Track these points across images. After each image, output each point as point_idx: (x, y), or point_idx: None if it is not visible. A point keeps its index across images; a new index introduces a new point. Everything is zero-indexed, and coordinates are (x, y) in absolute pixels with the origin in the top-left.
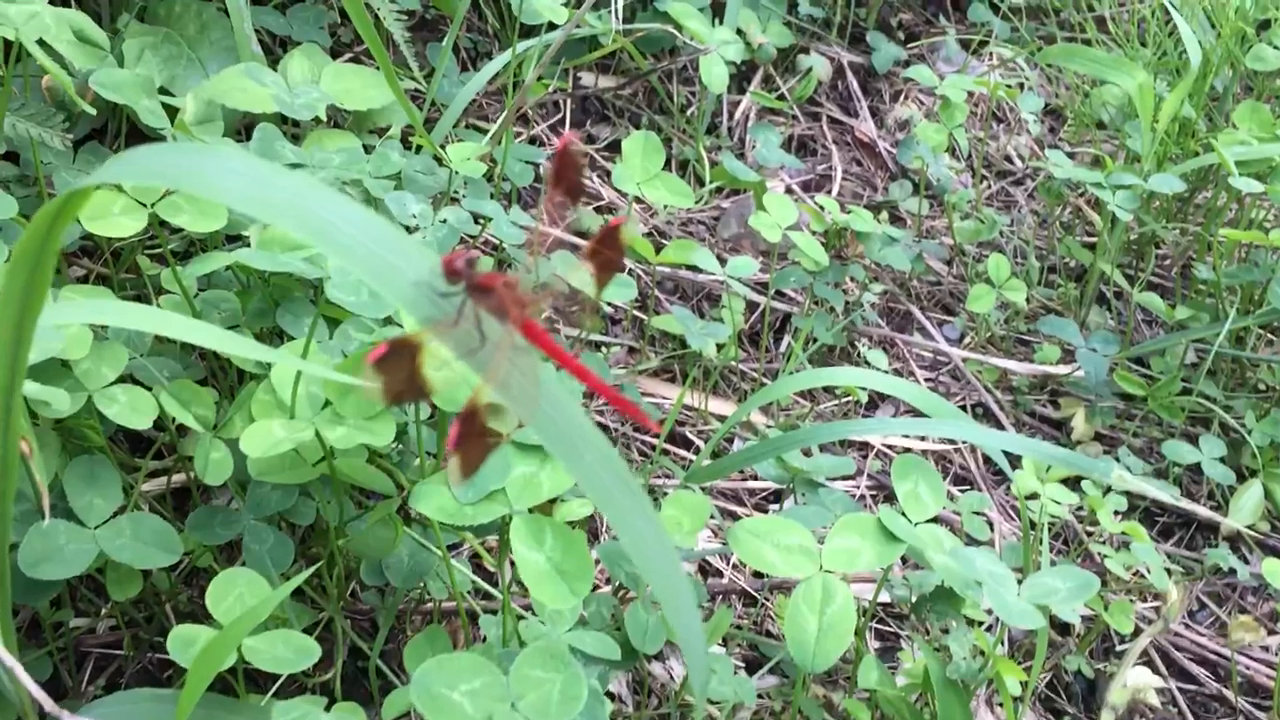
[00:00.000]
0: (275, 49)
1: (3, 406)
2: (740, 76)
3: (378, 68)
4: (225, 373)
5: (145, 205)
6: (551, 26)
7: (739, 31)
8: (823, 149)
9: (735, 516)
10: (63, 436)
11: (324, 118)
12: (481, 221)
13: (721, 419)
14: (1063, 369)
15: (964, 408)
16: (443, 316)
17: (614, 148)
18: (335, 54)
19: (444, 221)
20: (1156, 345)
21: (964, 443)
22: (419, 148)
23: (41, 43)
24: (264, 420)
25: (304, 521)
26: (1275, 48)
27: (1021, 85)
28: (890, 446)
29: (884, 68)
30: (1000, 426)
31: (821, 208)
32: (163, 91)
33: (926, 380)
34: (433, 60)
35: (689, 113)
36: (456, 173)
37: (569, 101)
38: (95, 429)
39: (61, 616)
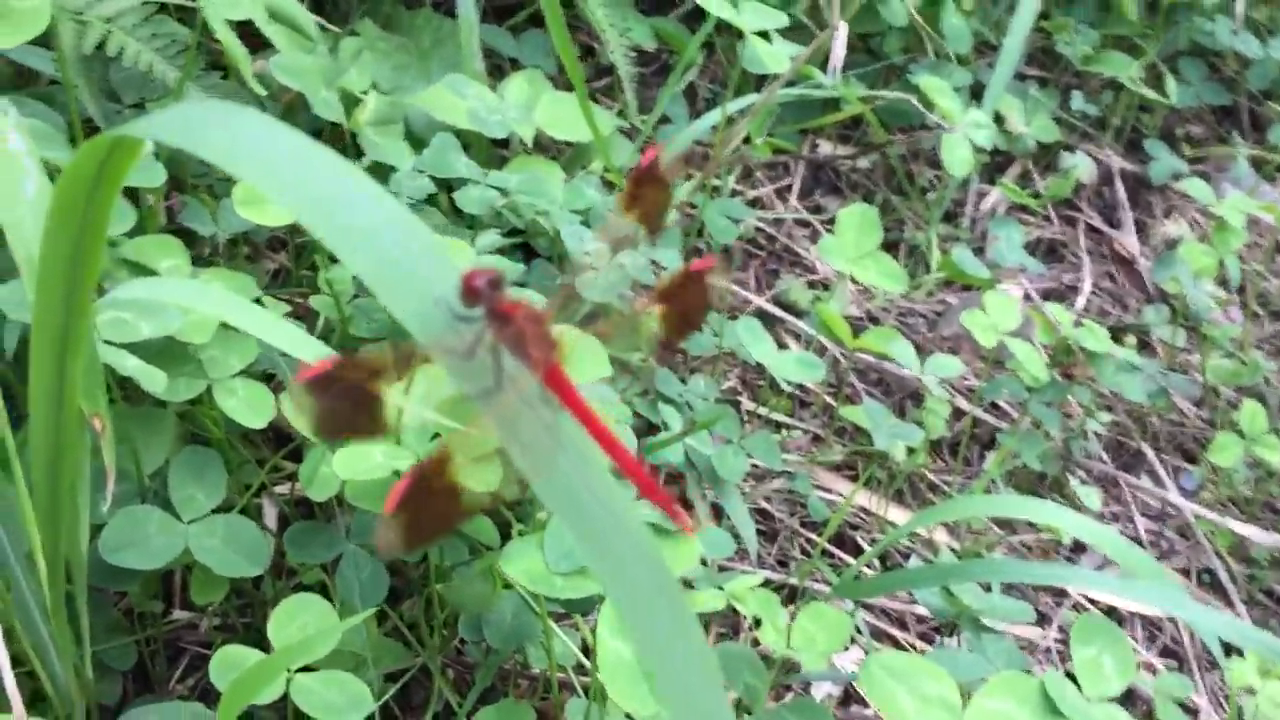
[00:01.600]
0: (507, 71)
1: (54, 377)
2: (993, 167)
3: (610, 105)
4: None
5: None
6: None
7: (997, 117)
8: (1073, 257)
9: (896, 643)
10: (185, 423)
11: (527, 141)
12: (658, 271)
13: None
14: None
15: (1186, 573)
16: (456, 343)
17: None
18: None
19: (621, 265)
20: None
21: None
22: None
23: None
24: (364, 446)
25: (410, 558)
26: None
27: None
28: (1093, 601)
29: (1160, 179)
30: (1228, 603)
31: (1053, 318)
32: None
33: (1148, 532)
34: (662, 102)
35: (928, 197)
36: None
37: (800, 166)
38: (216, 421)
39: (151, 607)
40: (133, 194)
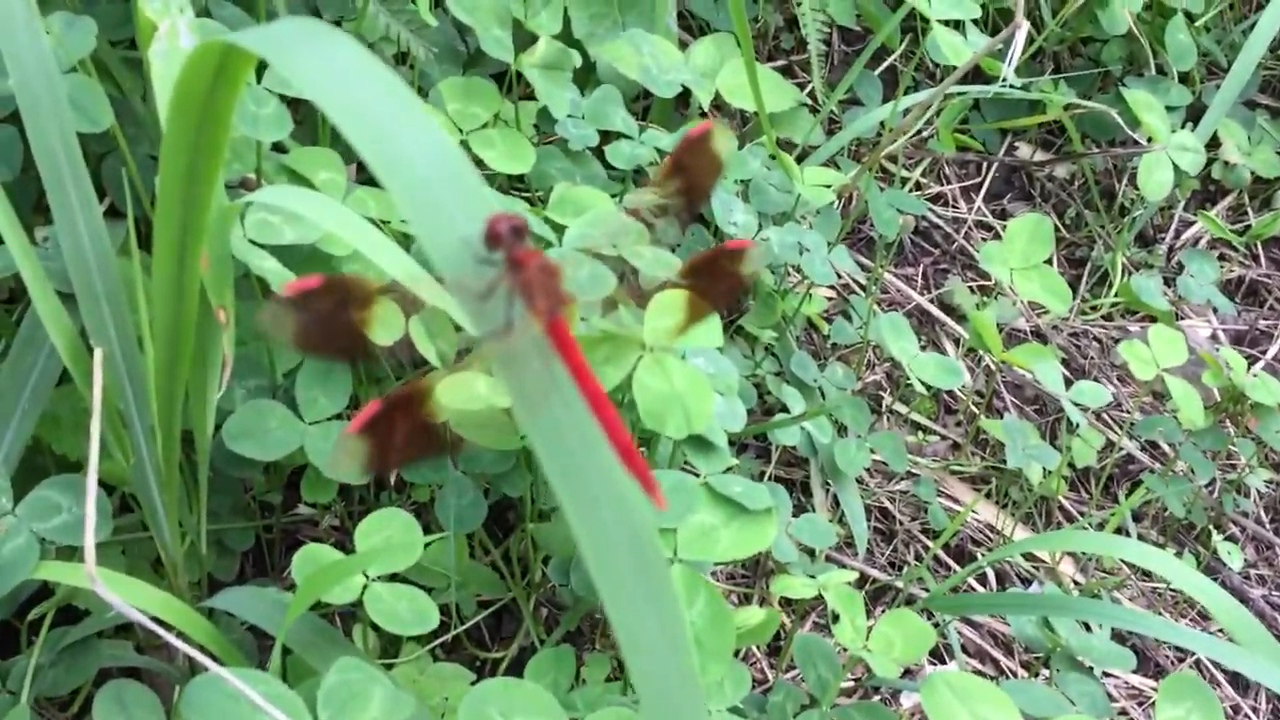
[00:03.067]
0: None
1: (174, 264)
2: (1204, 196)
3: (806, 80)
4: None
5: (460, 130)
6: (987, 80)
7: (1214, 143)
8: (1275, 303)
9: (997, 666)
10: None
11: (704, 105)
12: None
13: (1030, 556)
14: None
15: None
16: (475, 283)
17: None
18: (767, 57)
19: (765, 239)
20: None
21: None
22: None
23: None
24: (468, 374)
25: (513, 492)
26: None
27: None
28: (1217, 665)
29: None
30: None
31: (1224, 362)
32: (575, 45)
33: None
34: (853, 83)
35: (1126, 219)
36: (805, 199)
37: (992, 167)
38: None
39: (273, 498)
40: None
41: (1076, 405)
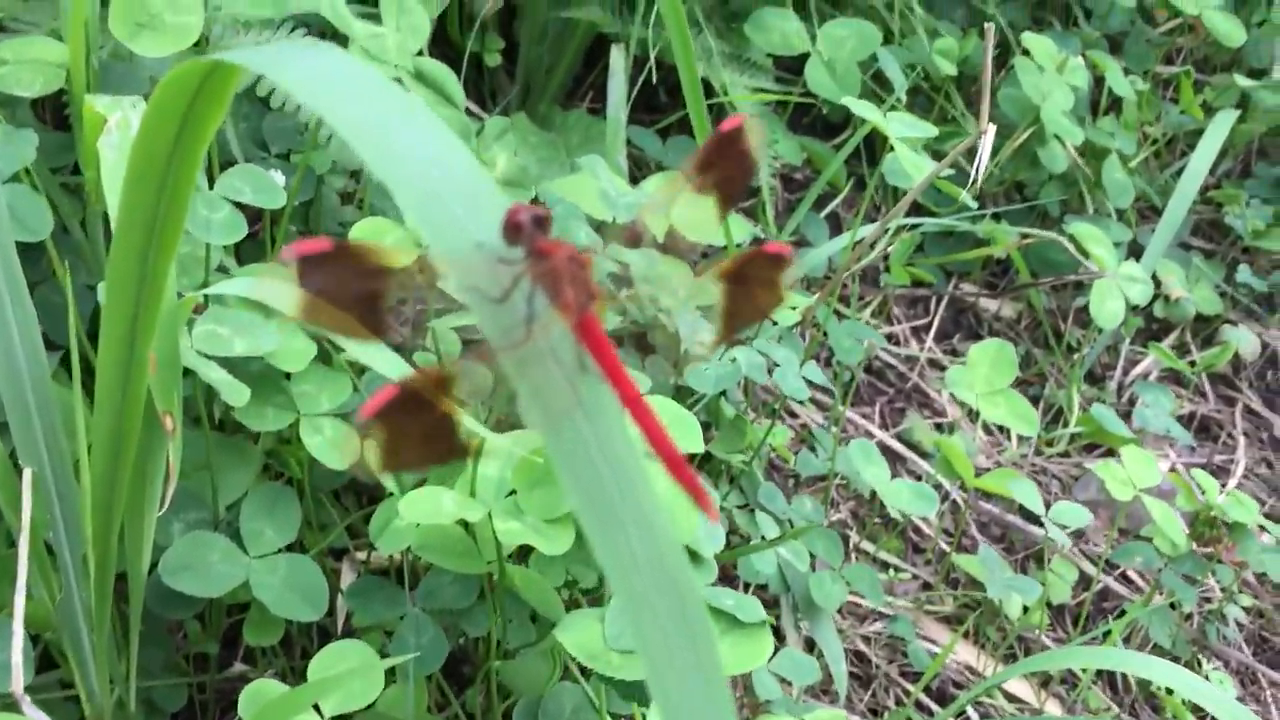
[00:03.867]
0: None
1: (125, 343)
2: (1147, 333)
3: (754, 223)
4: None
5: (420, 245)
6: (934, 214)
7: (1155, 282)
8: (1228, 438)
9: None
10: (271, 460)
11: (658, 237)
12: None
13: (1014, 698)
14: None
15: None
16: (491, 286)
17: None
18: None
19: (733, 360)
20: None
21: None
22: None
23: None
24: (437, 487)
25: (473, 631)
26: None
27: None
28: None
29: None
30: None
31: (1198, 485)
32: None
33: None
34: (800, 223)
35: (1075, 356)
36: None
37: (940, 307)
38: (300, 460)
39: (208, 647)
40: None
41: (1058, 525)
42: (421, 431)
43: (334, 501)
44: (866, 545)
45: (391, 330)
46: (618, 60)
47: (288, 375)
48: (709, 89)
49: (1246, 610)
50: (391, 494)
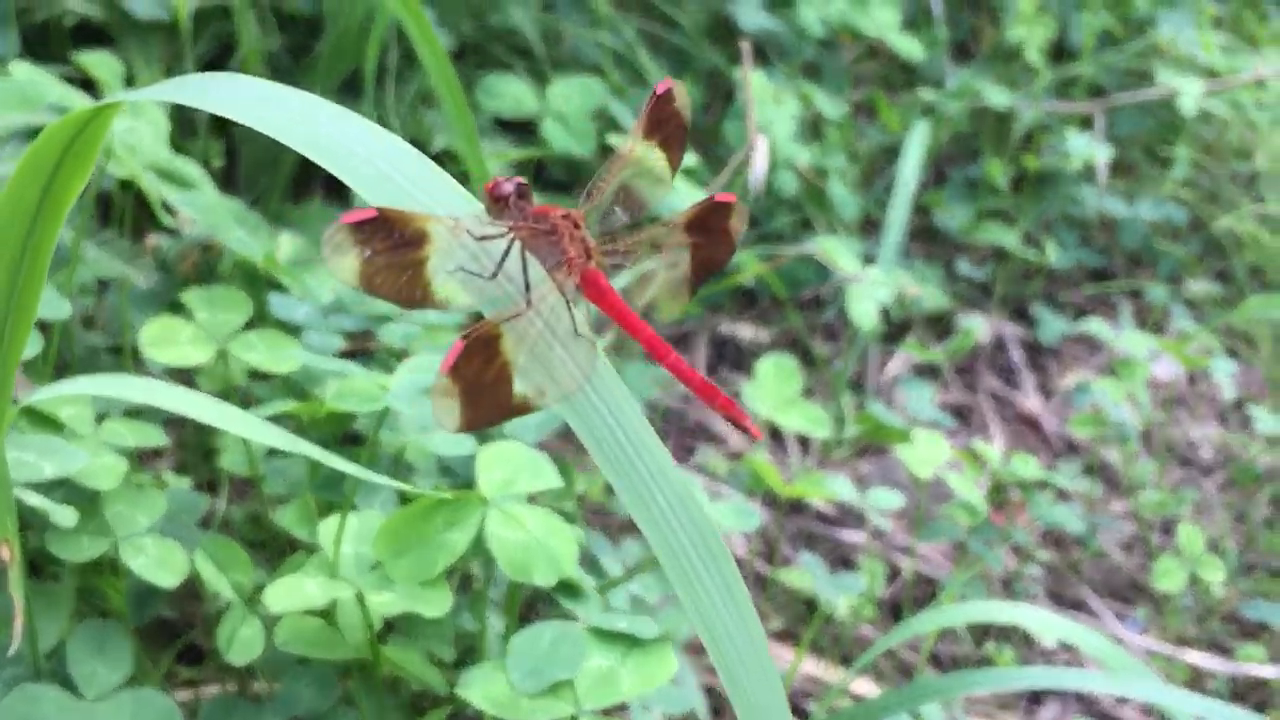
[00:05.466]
0: None
1: None
2: (890, 337)
3: None
4: (268, 546)
5: (216, 338)
6: None
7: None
8: (980, 421)
9: None
10: (80, 599)
11: None
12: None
13: (857, 698)
14: (1271, 670)
15: (1148, 712)
16: (482, 267)
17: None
18: None
19: (550, 412)
20: None
21: None
22: None
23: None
24: (297, 576)
25: None
26: None
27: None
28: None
29: (1051, 340)
30: None
31: (978, 456)
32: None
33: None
34: None
35: (834, 366)
36: None
37: (703, 343)
38: (116, 589)
39: None
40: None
41: (875, 509)
42: (489, 382)
43: (175, 606)
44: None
45: (437, 299)
46: None
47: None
48: (450, 158)
49: (1043, 566)
50: (230, 604)
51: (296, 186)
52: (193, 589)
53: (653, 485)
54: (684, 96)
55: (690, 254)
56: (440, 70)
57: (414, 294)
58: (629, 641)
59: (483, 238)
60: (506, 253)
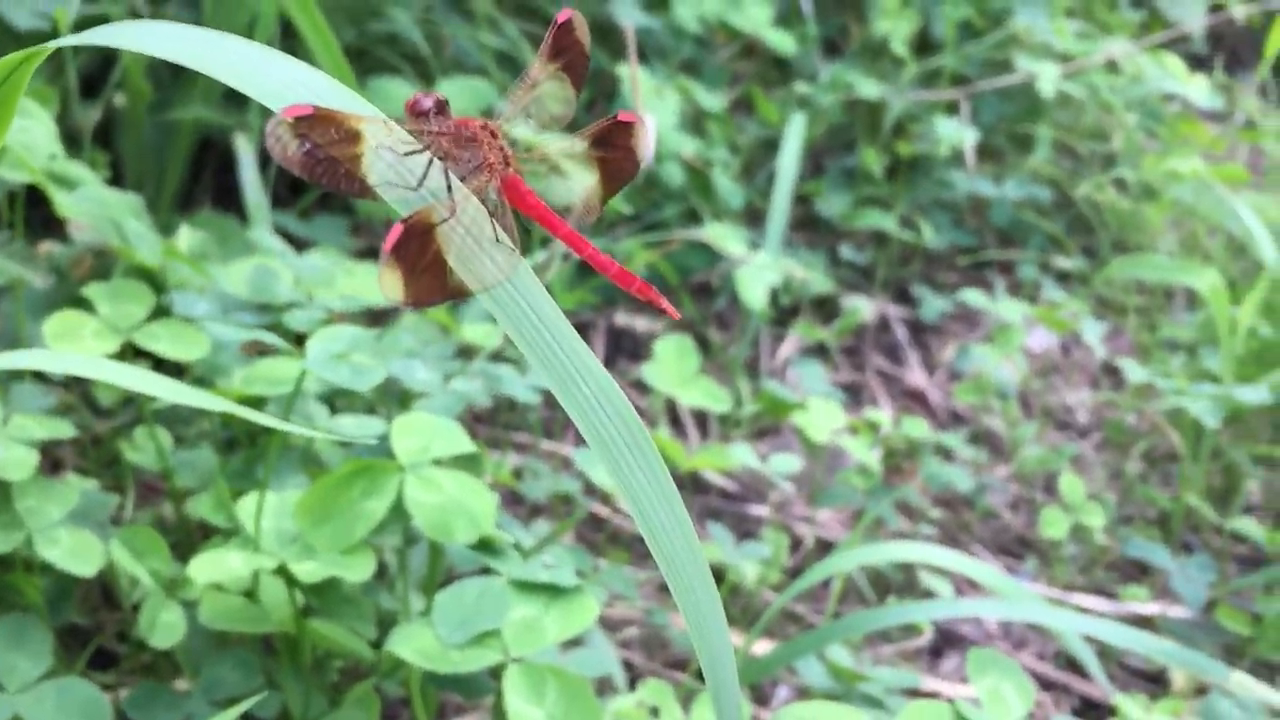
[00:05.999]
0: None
1: None
2: (779, 321)
3: None
4: (180, 544)
5: (119, 330)
6: None
7: None
8: (869, 397)
9: None
10: None
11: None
12: (497, 399)
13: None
14: (1154, 607)
15: (1041, 657)
16: (407, 177)
17: (642, 387)
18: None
19: (454, 390)
20: (1263, 578)
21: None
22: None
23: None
24: (220, 550)
25: (265, 715)
26: None
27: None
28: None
29: (932, 318)
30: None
31: (871, 423)
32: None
33: (999, 625)
34: None
35: (729, 351)
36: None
37: (602, 330)
38: (33, 584)
39: None
40: None
41: (778, 475)
42: (426, 265)
43: (85, 613)
44: (600, 563)
45: (370, 190)
46: (245, 148)
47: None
48: None
49: (935, 523)
50: (149, 591)
51: (184, 195)
52: (105, 594)
53: (577, 377)
54: (583, 26)
55: (599, 167)
56: (337, 67)
57: (353, 186)
58: (551, 591)
59: (408, 152)
60: (430, 164)
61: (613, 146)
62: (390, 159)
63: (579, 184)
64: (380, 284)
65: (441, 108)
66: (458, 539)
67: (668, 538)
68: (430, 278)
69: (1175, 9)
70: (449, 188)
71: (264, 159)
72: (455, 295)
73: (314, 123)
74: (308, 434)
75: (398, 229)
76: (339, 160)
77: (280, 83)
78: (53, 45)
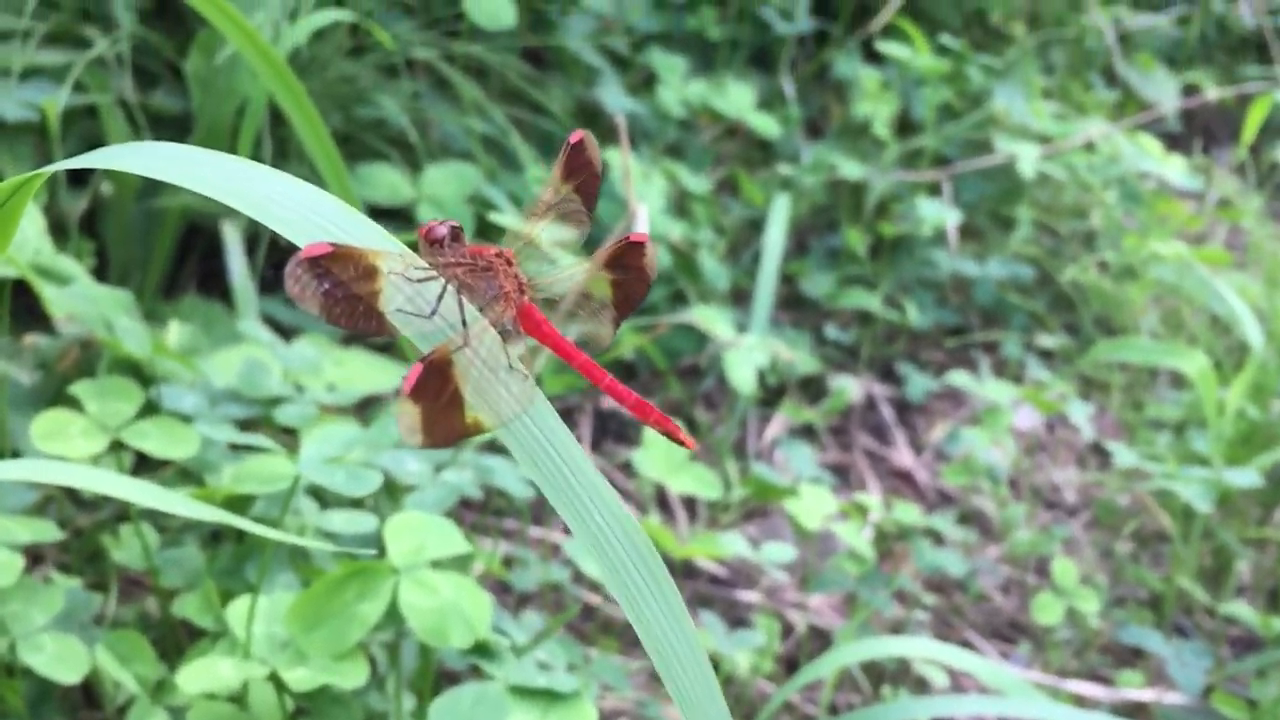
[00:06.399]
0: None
1: None
2: (766, 402)
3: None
4: (164, 642)
5: (108, 428)
6: None
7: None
8: (857, 478)
9: None
10: None
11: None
12: (487, 487)
13: None
14: (1149, 694)
15: None
16: (420, 306)
17: (629, 470)
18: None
19: (446, 482)
20: (1258, 663)
21: None
22: None
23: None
24: (209, 657)
25: None
26: None
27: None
28: None
29: (918, 397)
30: None
31: (862, 507)
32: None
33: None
34: None
35: (716, 434)
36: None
37: (587, 418)
38: (14, 689)
39: None
40: None
41: (769, 563)
42: (444, 404)
43: (66, 712)
44: (591, 653)
45: (389, 326)
46: (232, 235)
47: None
48: None
49: (928, 610)
50: (135, 697)
51: (168, 284)
52: (87, 695)
53: (597, 518)
54: (594, 146)
55: (611, 290)
56: (325, 154)
57: (370, 324)
58: (548, 696)
59: (422, 279)
60: (443, 292)
61: (625, 268)
62: (409, 291)
63: (593, 308)
64: (399, 425)
65: (456, 235)
66: (453, 643)
67: (681, 666)
68: (448, 417)
69: (1149, 90)
70: (463, 320)
71: (250, 245)
72: (473, 433)
73: (333, 260)
74: (300, 543)
75: (418, 369)
76: (359, 297)
77: (280, 202)
78: (49, 170)
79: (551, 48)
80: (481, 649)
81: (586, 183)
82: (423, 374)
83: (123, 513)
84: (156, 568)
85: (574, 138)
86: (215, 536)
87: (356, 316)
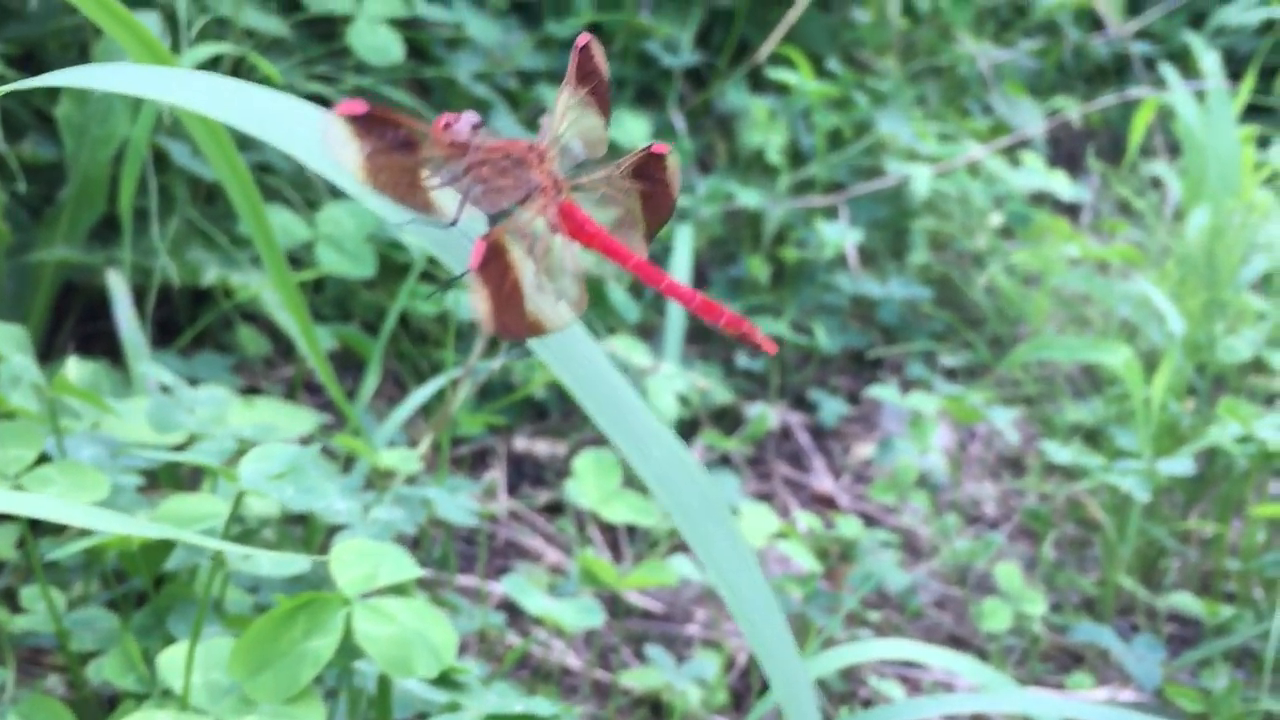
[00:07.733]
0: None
1: None
2: (682, 435)
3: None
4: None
5: (6, 476)
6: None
7: None
8: (780, 506)
9: None
10: None
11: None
12: (427, 515)
13: None
14: (1102, 693)
15: None
16: (439, 214)
17: (553, 509)
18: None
19: (377, 519)
20: (1203, 653)
21: None
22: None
23: None
24: (144, 711)
25: None
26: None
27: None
28: None
29: (831, 421)
30: None
31: (803, 524)
32: None
33: None
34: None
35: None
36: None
37: (502, 463)
38: None
39: None
40: None
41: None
42: (509, 292)
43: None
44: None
45: (433, 205)
46: (118, 284)
47: None
48: (227, 293)
49: (872, 626)
50: None
51: (44, 349)
52: None
53: (629, 415)
54: (602, 53)
55: (640, 203)
56: (243, 190)
57: (415, 198)
58: None
59: (443, 183)
60: (466, 195)
61: (650, 179)
62: (445, 177)
63: (627, 218)
64: (471, 304)
65: (477, 128)
66: (418, 673)
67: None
68: (512, 307)
69: (1015, 116)
70: (491, 219)
71: (138, 295)
72: (535, 332)
73: (372, 123)
74: (266, 554)
75: (480, 245)
76: (404, 167)
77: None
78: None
79: (440, 79)
80: (448, 679)
81: (598, 89)
82: (486, 251)
83: (24, 576)
84: (65, 630)
85: (581, 40)
86: (114, 604)
87: (401, 187)
